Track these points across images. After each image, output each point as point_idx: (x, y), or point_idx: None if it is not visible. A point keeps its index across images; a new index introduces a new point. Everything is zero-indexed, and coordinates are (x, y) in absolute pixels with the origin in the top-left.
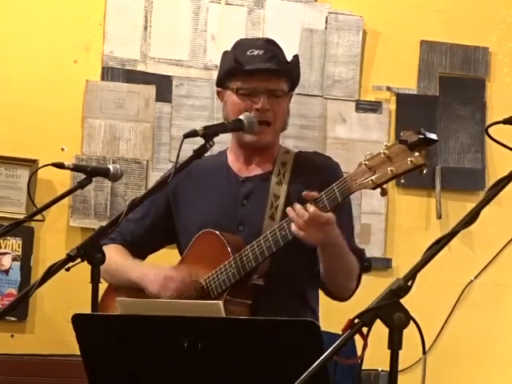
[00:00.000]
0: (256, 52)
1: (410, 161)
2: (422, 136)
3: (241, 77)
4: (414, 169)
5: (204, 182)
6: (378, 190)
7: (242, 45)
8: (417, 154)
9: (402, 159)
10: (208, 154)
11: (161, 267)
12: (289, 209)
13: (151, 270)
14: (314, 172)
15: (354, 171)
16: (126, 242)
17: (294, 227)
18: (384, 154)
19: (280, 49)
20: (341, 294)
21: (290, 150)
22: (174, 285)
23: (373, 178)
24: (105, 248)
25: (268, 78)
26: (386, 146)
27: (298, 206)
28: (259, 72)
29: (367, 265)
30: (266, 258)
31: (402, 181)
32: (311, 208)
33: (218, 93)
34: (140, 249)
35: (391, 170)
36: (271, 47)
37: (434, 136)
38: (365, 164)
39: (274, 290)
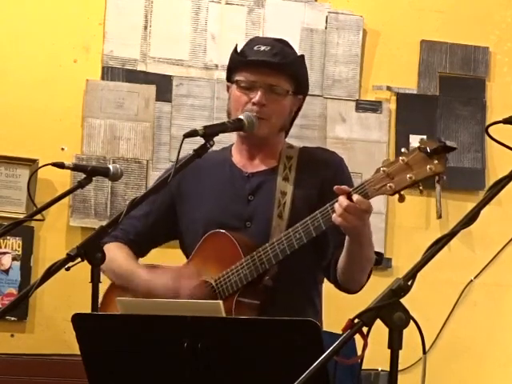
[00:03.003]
0: (263, 48)
1: (429, 168)
2: (441, 144)
3: (243, 69)
4: (432, 176)
5: (208, 178)
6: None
7: (252, 41)
8: (436, 161)
9: (421, 166)
10: (212, 149)
11: (166, 272)
12: (338, 188)
13: (157, 282)
14: (320, 168)
15: (371, 177)
16: (129, 240)
17: (335, 216)
18: (403, 160)
19: (291, 49)
20: (353, 287)
21: (293, 146)
22: (184, 294)
23: (391, 184)
24: (107, 247)
25: (267, 73)
26: (403, 152)
27: (341, 198)
28: (259, 65)
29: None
30: (280, 261)
31: (421, 187)
32: (356, 196)
33: (228, 87)
34: (143, 246)
35: (410, 177)
36: (280, 45)
37: (453, 144)
38: (383, 170)
39: (283, 290)
